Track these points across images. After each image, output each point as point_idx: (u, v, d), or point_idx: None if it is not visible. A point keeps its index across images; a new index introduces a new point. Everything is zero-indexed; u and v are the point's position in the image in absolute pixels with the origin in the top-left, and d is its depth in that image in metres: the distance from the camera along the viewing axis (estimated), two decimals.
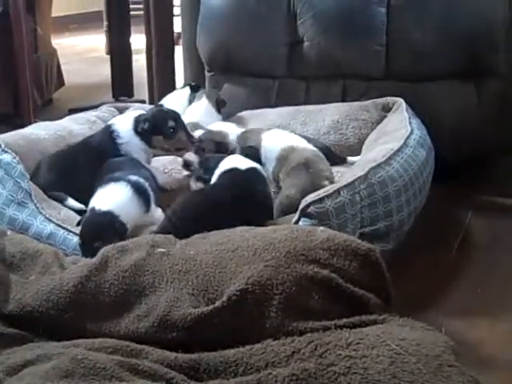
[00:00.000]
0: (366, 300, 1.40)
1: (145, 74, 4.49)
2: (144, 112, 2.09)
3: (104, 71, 4.89)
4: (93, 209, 1.75)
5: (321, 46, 2.48)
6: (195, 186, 1.92)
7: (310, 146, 2.04)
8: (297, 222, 1.70)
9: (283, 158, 1.99)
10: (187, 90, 2.47)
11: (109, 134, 2.02)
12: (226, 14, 2.60)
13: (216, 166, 1.86)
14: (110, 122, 2.09)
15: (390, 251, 1.76)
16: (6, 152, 1.92)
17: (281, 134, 2.12)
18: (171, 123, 1.99)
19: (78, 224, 1.76)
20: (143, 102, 3.63)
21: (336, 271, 1.42)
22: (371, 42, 2.42)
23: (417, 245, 1.91)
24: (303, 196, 1.75)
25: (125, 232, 1.74)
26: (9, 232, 1.71)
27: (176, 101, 2.43)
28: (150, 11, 2.99)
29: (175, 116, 2.02)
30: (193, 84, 2.52)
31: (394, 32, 2.41)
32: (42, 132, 2.10)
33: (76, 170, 1.95)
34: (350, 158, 2.23)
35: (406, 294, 1.56)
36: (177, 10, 3.39)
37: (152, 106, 2.58)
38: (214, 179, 1.85)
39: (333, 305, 1.39)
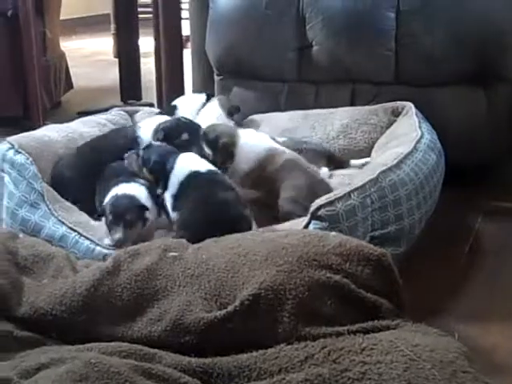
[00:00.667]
0: (378, 305, 1.41)
1: (153, 77, 4.51)
2: (167, 119, 2.10)
3: (112, 74, 4.90)
4: (116, 194, 1.79)
5: (330, 50, 2.48)
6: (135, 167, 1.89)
7: (287, 149, 2.03)
8: (307, 225, 1.71)
9: (266, 159, 1.97)
10: (203, 96, 2.47)
11: (134, 138, 2.05)
12: (234, 18, 2.61)
13: (171, 164, 1.81)
14: (137, 125, 2.10)
15: (401, 255, 1.76)
16: (20, 153, 1.93)
17: (258, 134, 2.09)
18: (185, 136, 1.98)
19: (100, 215, 1.79)
20: (152, 105, 3.65)
21: (348, 276, 1.42)
22: (380, 46, 2.42)
23: (427, 249, 1.91)
24: (305, 196, 1.80)
25: (146, 220, 1.78)
26: (21, 235, 1.72)
27: (190, 104, 2.42)
28: (159, 15, 2.99)
29: (192, 128, 2.01)
30: (209, 93, 2.53)
31: (404, 37, 2.41)
32: (54, 134, 2.11)
33: (99, 167, 1.97)
34: (352, 161, 2.24)
35: (417, 298, 1.56)
36: (185, 14, 3.40)
37: (159, 110, 2.59)
38: (174, 182, 1.79)
39: (345, 310, 1.39)
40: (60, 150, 2.06)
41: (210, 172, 1.81)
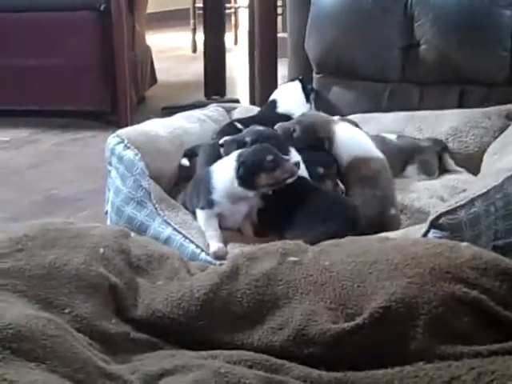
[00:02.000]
0: None
1: (234, 73, 4.48)
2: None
3: (191, 69, 4.91)
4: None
5: (439, 49, 2.36)
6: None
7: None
8: (426, 234, 1.62)
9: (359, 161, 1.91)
10: (298, 84, 2.36)
11: None
12: (338, 14, 2.52)
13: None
14: None
15: None
16: (129, 148, 1.87)
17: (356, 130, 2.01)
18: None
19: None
20: (237, 101, 3.61)
21: (485, 292, 1.32)
22: (495, 46, 2.30)
23: None
24: None
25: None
26: (132, 234, 1.67)
27: (290, 97, 2.33)
28: (255, 11, 2.94)
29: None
30: (301, 77, 2.42)
31: None
32: (161, 129, 2.06)
33: None
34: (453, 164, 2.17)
35: None
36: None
37: (258, 109, 2.51)
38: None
39: (482, 329, 1.29)
40: (167, 146, 2.01)
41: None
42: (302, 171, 1.81)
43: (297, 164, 1.74)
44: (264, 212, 1.81)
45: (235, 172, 1.73)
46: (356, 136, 1.99)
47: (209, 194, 1.77)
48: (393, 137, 2.17)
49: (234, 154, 1.78)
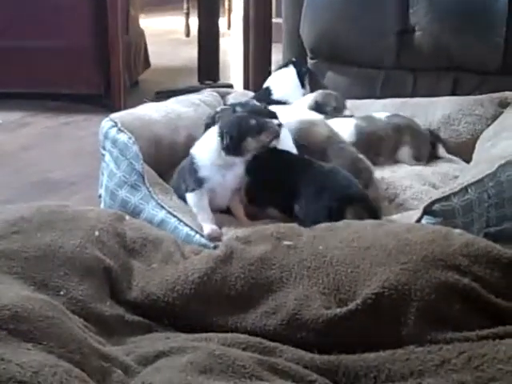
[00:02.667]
0: (508, 312, 1.32)
1: (227, 57, 4.46)
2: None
3: (184, 54, 4.89)
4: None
5: (434, 36, 2.38)
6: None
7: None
8: (419, 220, 1.64)
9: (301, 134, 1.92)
10: (292, 70, 2.36)
11: None
12: None
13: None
14: None
15: None
16: (123, 131, 1.87)
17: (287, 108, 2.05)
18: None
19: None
20: (230, 86, 3.60)
21: (477, 280, 1.34)
22: (490, 33, 2.32)
23: None
24: None
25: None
26: (127, 217, 1.67)
27: (284, 84, 2.32)
28: None
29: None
30: (294, 60, 2.41)
31: None
32: (155, 114, 2.05)
33: None
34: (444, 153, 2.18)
35: None
36: None
37: (253, 94, 2.52)
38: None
39: (474, 316, 1.31)
40: (160, 130, 2.00)
41: None
42: (291, 148, 1.84)
43: (279, 125, 1.77)
44: (252, 186, 1.82)
45: (220, 143, 1.76)
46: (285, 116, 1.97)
47: (195, 173, 1.78)
48: (382, 115, 2.17)
49: (211, 130, 1.81)
